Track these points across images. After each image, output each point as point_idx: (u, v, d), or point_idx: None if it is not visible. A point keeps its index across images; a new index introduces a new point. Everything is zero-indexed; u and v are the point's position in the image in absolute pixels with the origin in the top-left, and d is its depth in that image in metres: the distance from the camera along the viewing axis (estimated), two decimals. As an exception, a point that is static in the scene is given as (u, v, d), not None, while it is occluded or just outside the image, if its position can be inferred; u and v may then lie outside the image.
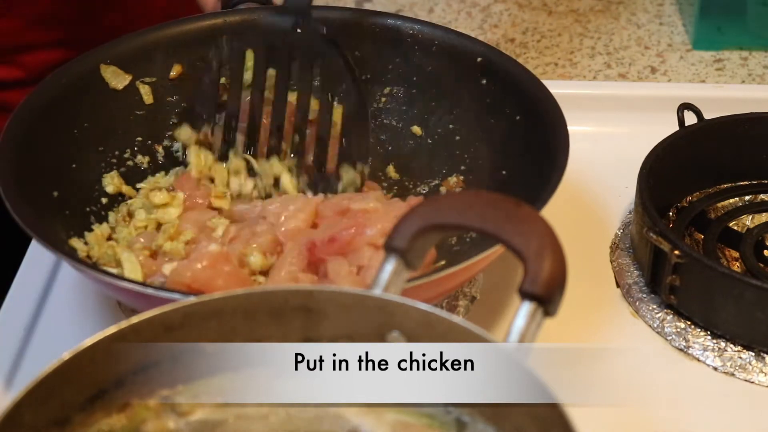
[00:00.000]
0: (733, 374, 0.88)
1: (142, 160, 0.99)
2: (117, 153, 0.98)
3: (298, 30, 0.97)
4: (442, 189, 1.00)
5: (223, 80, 0.98)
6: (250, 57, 0.98)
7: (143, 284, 0.80)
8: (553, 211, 0.78)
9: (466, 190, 0.99)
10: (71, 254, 0.83)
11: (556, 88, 0.98)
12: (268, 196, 0.98)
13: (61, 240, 0.88)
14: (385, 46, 1.03)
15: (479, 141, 0.99)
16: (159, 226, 0.93)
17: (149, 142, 1.00)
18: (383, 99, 1.03)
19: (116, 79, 0.98)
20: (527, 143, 0.94)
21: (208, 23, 1.02)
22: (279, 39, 0.97)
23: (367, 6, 1.38)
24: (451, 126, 1.01)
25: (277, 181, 0.98)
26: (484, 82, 0.99)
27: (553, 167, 0.87)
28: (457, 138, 1.00)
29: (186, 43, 1.01)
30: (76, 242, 0.89)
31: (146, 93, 1.00)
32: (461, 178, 0.99)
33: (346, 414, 0.64)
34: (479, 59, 0.99)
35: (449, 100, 1.01)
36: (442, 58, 1.01)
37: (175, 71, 1.01)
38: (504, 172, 0.95)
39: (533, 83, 0.96)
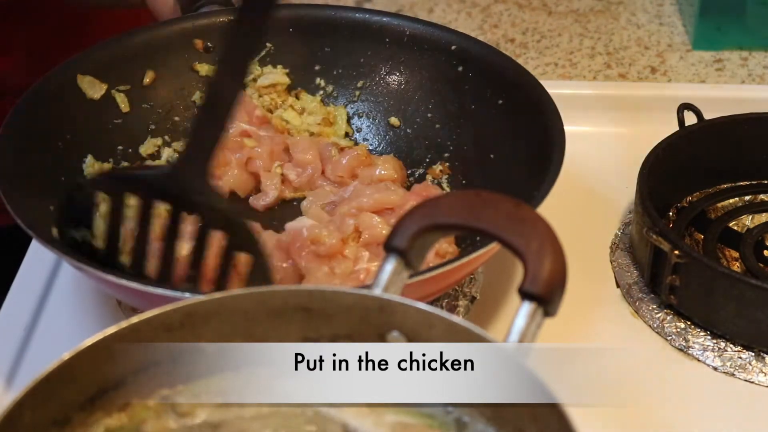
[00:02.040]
0: (733, 374, 0.88)
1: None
2: (101, 162, 0.98)
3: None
4: (428, 177, 1.00)
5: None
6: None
7: (143, 282, 0.80)
8: (552, 211, 0.78)
9: (453, 176, 1.00)
10: (71, 253, 0.83)
11: (556, 88, 0.98)
12: None
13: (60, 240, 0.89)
14: (355, 40, 1.03)
15: (461, 128, 1.00)
16: None
17: (130, 150, 1.00)
18: (357, 93, 1.04)
19: (92, 88, 0.98)
20: (514, 126, 0.94)
21: (178, 27, 1.03)
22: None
23: (367, 6, 1.39)
24: (429, 115, 1.02)
25: None
26: (460, 69, 1.00)
27: (552, 150, 0.87)
28: (437, 126, 1.01)
29: (157, 48, 1.02)
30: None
31: (122, 101, 1.00)
32: (446, 165, 1.00)
33: (346, 414, 0.64)
34: (453, 47, 1.00)
35: (426, 90, 1.02)
36: (414, 48, 1.02)
37: (149, 78, 1.01)
38: (492, 156, 0.96)
39: (512, 67, 0.97)
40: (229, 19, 1.03)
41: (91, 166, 0.96)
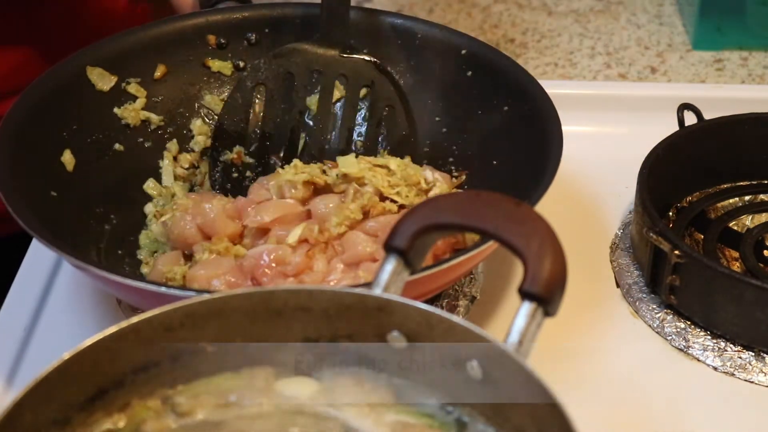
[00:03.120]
0: (733, 374, 0.88)
1: None
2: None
3: (344, 56, 0.98)
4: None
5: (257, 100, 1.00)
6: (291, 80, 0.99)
7: (142, 280, 0.80)
8: (553, 211, 0.78)
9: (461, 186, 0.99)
10: (71, 252, 0.83)
11: (556, 88, 0.98)
12: None
13: (61, 239, 0.89)
14: (365, 41, 1.03)
15: (467, 133, 0.99)
16: None
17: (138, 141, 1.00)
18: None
19: (102, 80, 0.98)
20: (518, 133, 0.94)
21: (192, 23, 1.03)
22: (323, 65, 0.98)
23: (367, 6, 1.38)
24: (437, 119, 1.01)
25: None
26: (469, 74, 0.99)
27: (548, 156, 0.87)
28: (444, 130, 1.01)
29: (169, 43, 1.02)
30: None
31: (136, 92, 1.00)
32: (462, 172, 0.99)
33: (346, 414, 0.64)
34: (463, 51, 1.00)
35: (434, 93, 1.02)
36: (425, 51, 1.02)
37: (160, 71, 1.01)
38: (495, 162, 0.96)
39: (520, 74, 0.96)
40: (243, 15, 1.03)
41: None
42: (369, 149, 0.98)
